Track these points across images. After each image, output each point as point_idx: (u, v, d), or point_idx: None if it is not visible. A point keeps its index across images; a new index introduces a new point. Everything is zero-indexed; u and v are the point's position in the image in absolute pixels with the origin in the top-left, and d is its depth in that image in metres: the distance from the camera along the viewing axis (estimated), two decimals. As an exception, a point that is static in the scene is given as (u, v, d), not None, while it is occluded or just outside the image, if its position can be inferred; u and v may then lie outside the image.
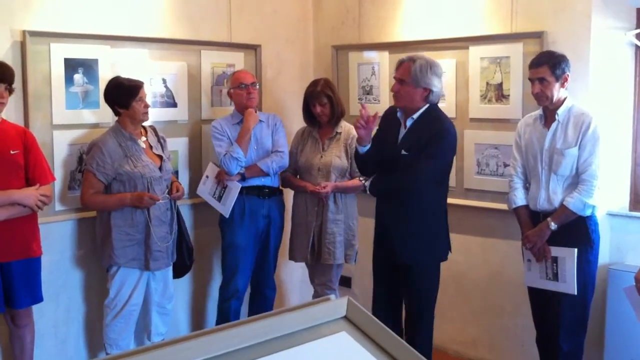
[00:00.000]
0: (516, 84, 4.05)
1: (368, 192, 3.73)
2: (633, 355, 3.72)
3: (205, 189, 4.22)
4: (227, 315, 4.25)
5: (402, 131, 3.55)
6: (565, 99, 3.42)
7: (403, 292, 3.70)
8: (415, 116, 3.50)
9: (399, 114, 3.60)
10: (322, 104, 4.15)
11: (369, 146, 3.57)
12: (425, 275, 3.61)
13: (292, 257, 4.36)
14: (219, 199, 4.16)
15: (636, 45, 3.87)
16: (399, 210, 3.56)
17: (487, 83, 4.21)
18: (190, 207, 4.38)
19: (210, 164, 4.27)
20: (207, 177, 4.23)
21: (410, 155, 3.43)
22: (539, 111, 3.54)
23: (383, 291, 3.74)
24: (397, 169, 3.47)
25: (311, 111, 4.21)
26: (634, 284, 3.12)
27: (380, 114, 3.74)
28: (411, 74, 3.44)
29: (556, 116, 3.42)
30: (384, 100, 4.76)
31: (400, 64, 3.52)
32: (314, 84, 4.24)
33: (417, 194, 3.49)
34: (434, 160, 3.44)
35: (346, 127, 4.23)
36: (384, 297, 3.74)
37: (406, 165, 3.43)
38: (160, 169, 3.81)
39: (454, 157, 3.72)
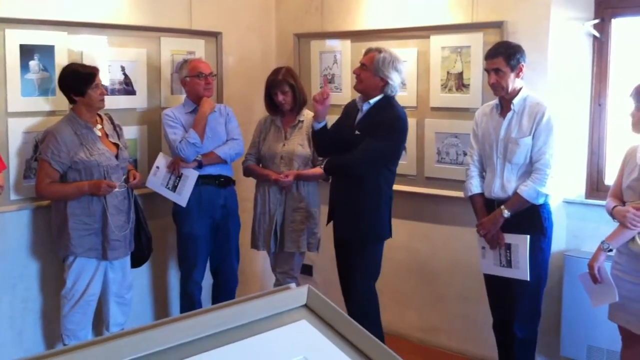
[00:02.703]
0: (476, 73, 4.09)
1: (323, 171, 3.96)
2: (589, 341, 3.80)
3: (157, 180, 4.13)
4: (190, 306, 4.23)
5: (360, 116, 3.71)
6: (520, 89, 3.47)
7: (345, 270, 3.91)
8: (371, 101, 3.66)
9: (357, 100, 3.75)
10: (284, 93, 4.14)
11: (324, 123, 3.73)
12: (362, 253, 3.75)
13: (255, 246, 4.34)
14: (174, 188, 4.11)
15: (594, 36, 3.93)
16: (344, 188, 3.75)
17: (448, 72, 4.24)
18: (147, 196, 4.30)
19: (161, 154, 4.21)
20: (157, 168, 4.15)
21: (362, 136, 3.60)
22: (496, 101, 3.58)
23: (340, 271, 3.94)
24: (349, 149, 3.62)
25: (273, 100, 4.19)
26: (588, 270, 3.19)
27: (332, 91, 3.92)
28: (373, 62, 3.62)
29: (512, 106, 3.46)
30: (345, 89, 4.77)
31: (368, 51, 3.71)
32: (276, 72, 4.22)
33: (362, 174, 3.66)
34: (379, 143, 3.59)
35: (309, 115, 4.23)
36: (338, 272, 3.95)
37: (356, 145, 3.60)
38: (116, 157, 3.75)
39: (405, 147, 3.89)
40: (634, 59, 3.84)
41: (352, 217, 3.72)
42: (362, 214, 3.69)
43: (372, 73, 3.62)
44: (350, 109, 3.83)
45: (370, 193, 3.68)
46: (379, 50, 3.65)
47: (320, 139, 3.80)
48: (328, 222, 3.96)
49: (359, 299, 3.80)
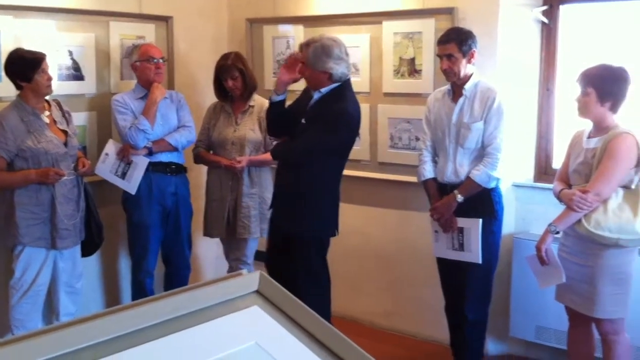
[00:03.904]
0: (428, 59, 4.13)
1: (270, 155, 3.82)
2: (537, 322, 3.90)
3: (106, 167, 4.06)
4: (141, 294, 4.18)
5: (310, 103, 3.56)
6: (472, 74, 3.51)
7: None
8: (322, 90, 3.49)
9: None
10: (233, 78, 4.10)
11: (283, 97, 3.58)
12: (305, 248, 3.59)
13: (207, 233, 4.32)
14: (123, 176, 4.05)
15: (542, 22, 4.00)
16: (287, 180, 3.58)
17: (400, 58, 4.27)
18: (97, 184, 4.22)
19: (110, 140, 4.13)
20: (106, 154, 4.07)
21: (307, 125, 3.46)
22: (448, 86, 3.62)
23: (274, 263, 3.70)
24: (293, 136, 3.51)
25: (223, 85, 4.15)
26: (536, 252, 3.26)
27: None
28: (308, 59, 3.45)
29: (463, 91, 3.51)
30: (298, 75, 4.75)
31: (301, 48, 3.54)
32: (225, 57, 4.18)
33: (302, 164, 3.50)
34: (322, 135, 3.42)
35: (259, 100, 4.21)
36: (272, 264, 3.73)
37: (301, 133, 3.46)
38: (65, 144, 3.67)
39: (352, 140, 3.67)
40: (582, 45, 3.92)
41: (292, 210, 3.56)
42: (303, 206, 3.53)
43: (312, 69, 3.45)
44: (305, 95, 3.67)
45: (312, 186, 3.51)
46: (307, 44, 3.47)
47: (274, 113, 3.63)
48: (271, 207, 3.82)
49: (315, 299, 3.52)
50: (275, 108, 3.62)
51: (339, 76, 3.46)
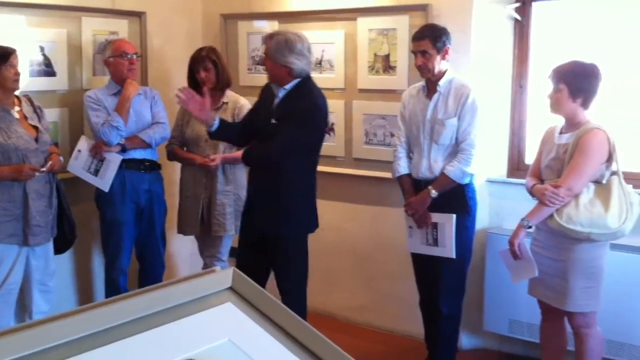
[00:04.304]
0: (403, 55, 4.14)
1: (242, 161, 3.78)
2: (510, 315, 3.94)
3: (78, 164, 4.01)
4: (115, 292, 4.15)
5: (276, 102, 3.52)
6: (446, 71, 3.53)
7: (272, 265, 3.67)
8: (287, 87, 3.47)
9: (272, 85, 3.58)
10: (206, 69, 4.08)
11: (216, 124, 3.52)
12: (289, 248, 3.58)
13: (181, 230, 4.29)
14: (96, 173, 4.01)
15: (515, 19, 4.04)
16: (264, 180, 3.54)
17: (375, 54, 4.28)
18: (70, 181, 4.16)
19: (83, 137, 4.09)
20: (79, 151, 4.03)
21: (278, 125, 3.42)
22: (422, 83, 3.63)
23: (247, 262, 3.60)
24: (266, 138, 3.45)
25: (196, 79, 4.13)
26: (509, 247, 3.29)
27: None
28: (270, 51, 3.44)
29: (438, 88, 3.52)
30: (273, 71, 4.74)
31: (264, 41, 3.53)
32: (199, 50, 4.19)
33: (281, 164, 3.46)
34: (298, 131, 3.40)
35: (233, 97, 4.19)
36: (248, 268, 3.64)
37: (274, 134, 3.41)
38: (36, 140, 3.62)
39: (324, 134, 3.69)
40: (554, 42, 3.96)
41: (273, 211, 3.51)
42: (284, 206, 3.50)
43: (272, 62, 3.43)
44: (266, 93, 3.63)
45: (291, 185, 3.50)
46: (271, 37, 3.47)
47: (225, 137, 3.65)
48: (245, 212, 3.78)
49: (291, 302, 3.48)
50: (222, 133, 3.60)
51: (299, 72, 3.44)
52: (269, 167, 3.51)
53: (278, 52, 3.40)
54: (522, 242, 3.25)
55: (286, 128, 3.39)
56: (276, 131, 3.41)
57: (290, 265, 3.60)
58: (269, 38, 3.47)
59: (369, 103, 4.36)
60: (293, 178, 3.50)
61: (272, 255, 3.60)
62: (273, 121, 3.45)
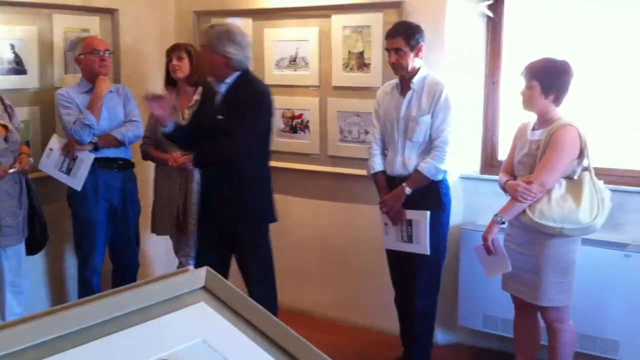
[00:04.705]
0: (377, 53, 4.15)
1: (193, 166, 3.75)
2: (484, 311, 3.97)
3: (50, 163, 3.97)
4: (88, 293, 4.10)
5: (219, 98, 3.52)
6: (420, 68, 3.55)
7: (236, 260, 3.70)
8: (228, 81, 3.48)
9: (212, 82, 3.57)
10: (180, 59, 4.08)
11: (173, 126, 3.52)
12: (252, 242, 3.61)
13: (155, 230, 4.27)
14: (68, 171, 3.96)
15: (488, 16, 4.06)
16: (219, 176, 3.53)
17: (350, 52, 4.28)
18: (41, 180, 4.11)
19: (55, 135, 4.05)
20: (50, 150, 3.98)
21: (226, 119, 3.42)
22: (396, 80, 3.64)
23: (212, 258, 3.52)
24: (215, 136, 3.43)
25: (173, 78, 4.11)
26: (482, 243, 3.32)
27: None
28: (209, 40, 3.44)
29: (411, 85, 3.54)
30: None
31: (206, 31, 3.53)
32: (178, 42, 4.20)
33: (237, 162, 3.47)
34: (247, 124, 3.42)
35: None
36: (211, 265, 3.63)
37: (223, 130, 3.40)
38: (5, 140, 3.57)
39: (273, 121, 3.68)
40: (526, 39, 3.99)
41: (231, 206, 3.52)
42: (242, 201, 3.51)
43: (211, 52, 3.42)
44: (208, 92, 3.63)
45: (246, 178, 3.51)
46: (212, 27, 3.50)
47: (179, 138, 3.62)
48: (202, 209, 3.72)
49: (261, 294, 3.51)
50: (174, 137, 3.59)
51: (237, 63, 3.44)
52: (228, 165, 3.49)
53: (218, 41, 3.41)
54: (495, 238, 3.27)
55: (235, 123, 3.39)
56: (225, 126, 3.40)
57: (255, 259, 3.63)
58: (210, 28, 3.48)
59: (344, 100, 4.36)
60: (248, 171, 3.51)
61: (236, 251, 3.61)
62: (220, 117, 3.44)
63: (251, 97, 3.45)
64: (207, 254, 3.66)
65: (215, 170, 3.55)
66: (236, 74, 3.47)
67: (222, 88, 3.49)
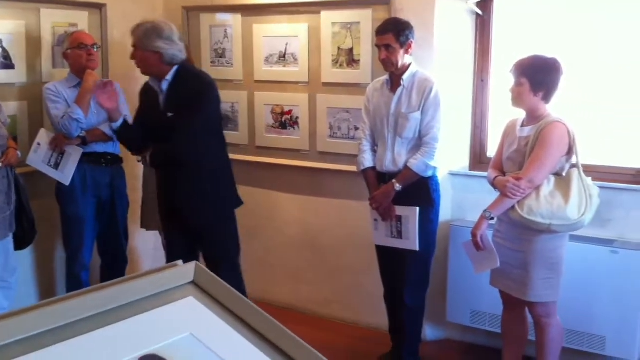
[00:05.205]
0: (366, 49, 4.15)
1: (150, 165, 3.73)
2: (472, 306, 3.99)
3: (38, 158, 3.96)
4: (77, 288, 4.07)
5: (163, 96, 3.49)
6: (410, 64, 3.55)
7: (202, 251, 3.71)
8: (168, 78, 3.46)
9: (151, 83, 3.54)
10: None
11: (121, 120, 3.50)
12: (219, 232, 3.62)
13: (145, 225, 4.25)
14: (56, 166, 3.95)
15: (476, 14, 4.07)
16: (179, 176, 3.51)
17: (339, 48, 4.28)
18: (30, 175, 4.08)
19: (42, 130, 4.03)
20: (38, 144, 3.97)
21: (176, 115, 3.40)
22: (386, 76, 3.65)
23: (178, 251, 3.57)
24: (168, 134, 3.39)
25: None
26: (471, 238, 3.33)
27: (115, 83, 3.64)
28: (138, 39, 3.42)
29: (401, 81, 3.54)
30: (237, 64, 4.72)
31: (133, 31, 3.49)
32: None
33: (191, 158, 3.46)
34: (196, 117, 3.40)
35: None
36: (179, 252, 3.57)
37: (174, 128, 3.38)
38: (-8, 134, 3.55)
39: (220, 110, 3.68)
40: (515, 36, 4.00)
41: (200, 203, 3.52)
42: (208, 195, 3.51)
43: (142, 50, 3.40)
44: (148, 94, 3.60)
45: (204, 170, 3.50)
46: (138, 25, 3.44)
47: (126, 138, 3.58)
48: (164, 212, 3.70)
49: (233, 282, 3.58)
50: (125, 133, 3.56)
51: (171, 58, 3.42)
52: (184, 163, 3.47)
53: (146, 38, 3.38)
54: (484, 234, 3.29)
55: (184, 118, 3.37)
56: (175, 123, 3.38)
57: (223, 248, 3.65)
58: (137, 27, 3.44)
59: (333, 97, 4.36)
60: (206, 162, 3.50)
61: (202, 242, 3.63)
62: (169, 115, 3.41)
63: (196, 89, 3.43)
64: (175, 254, 3.59)
65: (172, 170, 3.51)
66: (174, 69, 3.45)
67: (164, 85, 3.47)
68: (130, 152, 3.91)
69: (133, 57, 3.47)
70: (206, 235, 3.62)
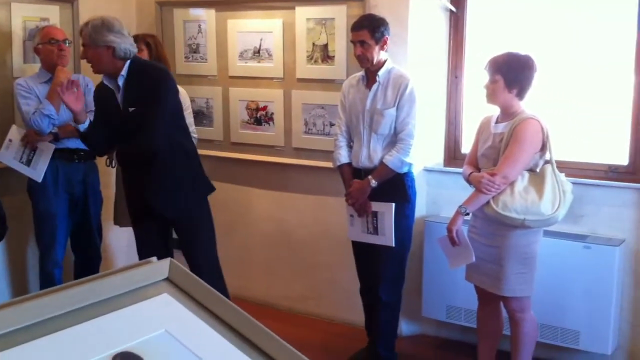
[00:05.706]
0: (341, 45, 4.15)
1: (113, 166, 3.74)
2: (448, 302, 4.01)
3: (9, 154, 3.90)
4: (50, 286, 4.03)
5: (119, 93, 3.44)
6: (385, 61, 3.55)
7: (179, 244, 3.71)
8: (123, 73, 3.40)
9: (105, 82, 3.49)
10: (139, 51, 3.99)
11: (87, 123, 3.45)
12: (194, 223, 3.61)
13: (118, 222, 4.21)
14: (28, 163, 3.89)
15: (450, 10, 4.09)
16: (147, 167, 3.46)
17: (314, 44, 4.27)
18: (1, 172, 4.01)
19: (14, 126, 3.97)
20: (10, 140, 3.91)
21: (138, 109, 3.36)
22: (362, 73, 3.65)
23: (149, 251, 3.38)
24: (134, 129, 3.36)
25: None
26: (447, 234, 3.35)
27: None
28: (88, 36, 3.35)
29: (377, 78, 3.54)
30: (211, 60, 4.69)
31: (81, 31, 3.42)
32: (137, 34, 4.10)
33: (160, 151, 3.41)
34: (158, 108, 3.36)
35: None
36: (152, 249, 3.42)
37: (137, 122, 3.34)
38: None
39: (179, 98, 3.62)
40: (489, 33, 4.03)
41: (174, 192, 3.50)
42: (178, 186, 3.49)
43: (93, 47, 3.32)
44: (103, 94, 3.50)
45: (179, 157, 3.48)
46: (86, 24, 3.36)
47: (92, 140, 3.51)
48: (135, 210, 3.64)
49: (212, 276, 3.53)
50: (90, 136, 3.49)
51: (124, 52, 3.36)
52: (155, 157, 3.43)
53: (96, 34, 3.31)
54: (459, 229, 3.30)
55: (149, 108, 3.33)
56: (139, 116, 3.34)
57: (199, 239, 3.63)
58: (84, 26, 3.37)
59: (308, 93, 4.35)
60: (176, 150, 3.48)
61: (179, 231, 3.64)
62: (131, 110, 3.37)
63: (155, 78, 3.39)
64: (147, 253, 3.56)
65: (146, 165, 3.45)
66: (127, 64, 3.39)
67: (120, 81, 3.40)
68: (97, 155, 3.87)
69: (84, 56, 3.39)
70: (183, 220, 3.59)
